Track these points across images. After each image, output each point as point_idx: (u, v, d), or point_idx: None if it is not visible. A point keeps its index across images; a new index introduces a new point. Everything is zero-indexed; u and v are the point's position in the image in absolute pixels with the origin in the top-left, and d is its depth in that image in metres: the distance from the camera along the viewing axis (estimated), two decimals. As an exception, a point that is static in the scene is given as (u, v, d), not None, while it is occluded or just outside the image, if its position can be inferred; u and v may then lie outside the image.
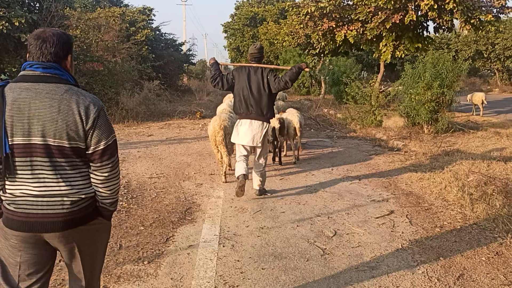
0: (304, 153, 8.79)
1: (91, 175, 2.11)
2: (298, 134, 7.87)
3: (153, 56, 23.23)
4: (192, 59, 32.89)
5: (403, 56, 15.09)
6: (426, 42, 14.90)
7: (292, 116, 7.94)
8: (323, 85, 23.63)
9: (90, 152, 2.06)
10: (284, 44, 24.26)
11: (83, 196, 2.07)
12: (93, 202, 2.15)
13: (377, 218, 4.95)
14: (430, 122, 11.09)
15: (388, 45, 14.80)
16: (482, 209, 5.05)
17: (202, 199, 5.66)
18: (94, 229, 2.19)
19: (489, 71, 35.20)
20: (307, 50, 22.34)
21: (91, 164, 2.09)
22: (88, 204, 2.11)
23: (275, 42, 27.32)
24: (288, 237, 4.35)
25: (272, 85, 5.35)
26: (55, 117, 1.95)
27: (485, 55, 30.35)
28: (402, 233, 4.49)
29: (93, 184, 2.12)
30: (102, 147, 2.06)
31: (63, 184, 2.01)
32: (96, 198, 2.16)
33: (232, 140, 5.74)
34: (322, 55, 21.55)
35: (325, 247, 4.10)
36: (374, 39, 15.25)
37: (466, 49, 31.39)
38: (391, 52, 14.95)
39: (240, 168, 5.52)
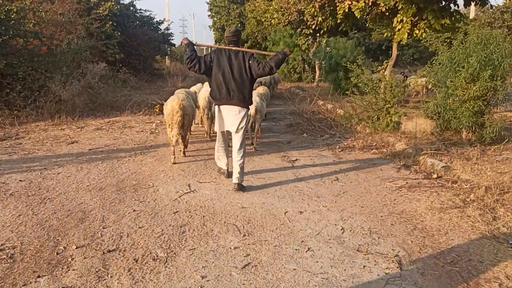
0: (292, 176, 5.46)
1: None
2: (253, 120, 7.32)
3: (119, 33, 19.61)
4: (172, 39, 29.27)
5: (423, 36, 11.71)
6: (453, 19, 11.52)
7: None
8: (317, 71, 20.20)
9: None
10: (272, 21, 20.77)
11: None
12: None
13: None
14: (473, 128, 7.78)
15: (405, 21, 11.42)
16: None
17: None
18: None
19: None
20: (300, 29, 18.93)
21: None
22: None
23: (263, 20, 23.76)
24: None
25: (255, 70, 5.11)
26: None
27: (499, 40, 26.97)
28: None
29: None
30: None
31: None
32: None
33: (216, 129, 5.46)
34: (317, 34, 18.13)
35: None
36: (387, 14, 11.87)
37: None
38: (408, 31, 11.59)
39: (221, 162, 5.64)
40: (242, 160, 5.24)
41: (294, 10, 18.55)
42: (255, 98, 7.27)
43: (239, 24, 31.70)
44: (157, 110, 11.34)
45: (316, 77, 20.27)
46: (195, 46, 5.33)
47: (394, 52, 12.52)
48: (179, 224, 4.08)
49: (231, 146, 5.40)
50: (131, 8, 24.02)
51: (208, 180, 5.56)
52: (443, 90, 8.06)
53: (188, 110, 6.32)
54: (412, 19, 11.42)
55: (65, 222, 4.07)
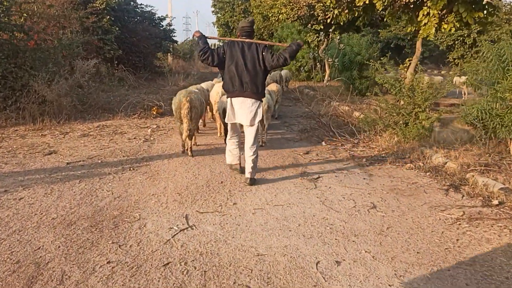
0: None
1: None
2: (265, 116, 6.91)
3: (117, 28, 18.41)
4: (174, 36, 28.10)
5: (452, 31, 10.49)
6: (486, 12, 10.26)
7: None
8: (327, 69, 18.95)
9: None
10: (280, 17, 19.54)
11: None
12: None
13: None
14: (524, 139, 6.56)
15: (432, 14, 10.16)
16: None
17: None
18: None
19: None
20: (310, 24, 17.71)
21: None
22: None
23: (270, 15, 22.49)
24: None
25: (269, 62, 5.02)
26: None
27: (517, 37, 25.57)
28: None
29: None
30: None
31: None
32: None
33: (227, 120, 5.28)
34: (329, 30, 16.91)
35: None
36: (411, 6, 10.64)
37: (492, 30, 26.57)
38: (436, 25, 10.32)
39: (233, 156, 5.48)
40: (255, 155, 5.24)
41: (304, 4, 17.34)
42: (266, 94, 7.13)
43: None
44: (154, 113, 10.16)
45: (326, 76, 19.05)
46: (207, 39, 5.23)
47: (418, 49, 11.25)
48: (170, 287, 2.87)
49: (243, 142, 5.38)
50: (131, 2, 22.88)
51: (211, 208, 4.35)
52: (490, 93, 6.84)
53: (196, 103, 6.28)
54: (439, 12, 10.18)
55: (7, 284, 2.86)
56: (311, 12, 17.30)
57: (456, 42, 31.71)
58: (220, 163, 6.09)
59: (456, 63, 32.33)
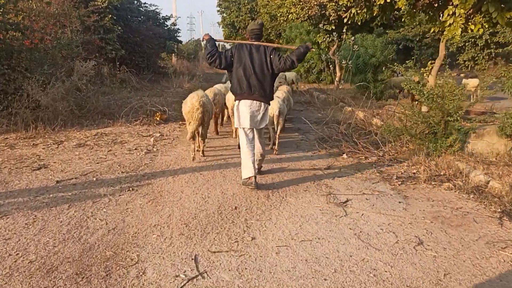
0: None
1: None
2: (276, 122, 6.82)
3: (120, 28, 17.67)
4: (178, 36, 27.40)
5: (480, 32, 9.69)
6: (516, 11, 9.44)
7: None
8: (338, 71, 18.15)
9: None
10: (289, 17, 18.77)
11: None
12: None
13: None
14: None
15: (458, 14, 9.35)
16: None
17: None
18: None
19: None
20: (322, 24, 16.93)
21: None
22: None
23: (278, 15, 21.69)
24: None
25: (276, 64, 4.99)
26: None
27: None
28: None
29: None
30: None
31: None
32: None
33: (236, 125, 5.23)
34: (343, 30, 16.12)
35: None
36: (436, 5, 9.85)
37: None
38: (462, 26, 9.51)
39: (248, 168, 4.98)
40: (263, 149, 5.43)
41: (315, 3, 16.58)
42: (277, 99, 6.97)
43: (250, 21, 29.78)
44: (157, 119, 9.41)
45: (337, 78, 18.25)
46: (216, 42, 5.20)
47: (442, 51, 10.45)
48: None
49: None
50: (135, 1, 22.19)
51: (225, 246, 3.57)
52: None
53: (208, 107, 6.26)
54: (466, 12, 9.37)
55: None
56: (322, 12, 16.55)
57: (467, 43, 30.86)
58: (232, 182, 5.33)
59: (467, 65, 31.53)
